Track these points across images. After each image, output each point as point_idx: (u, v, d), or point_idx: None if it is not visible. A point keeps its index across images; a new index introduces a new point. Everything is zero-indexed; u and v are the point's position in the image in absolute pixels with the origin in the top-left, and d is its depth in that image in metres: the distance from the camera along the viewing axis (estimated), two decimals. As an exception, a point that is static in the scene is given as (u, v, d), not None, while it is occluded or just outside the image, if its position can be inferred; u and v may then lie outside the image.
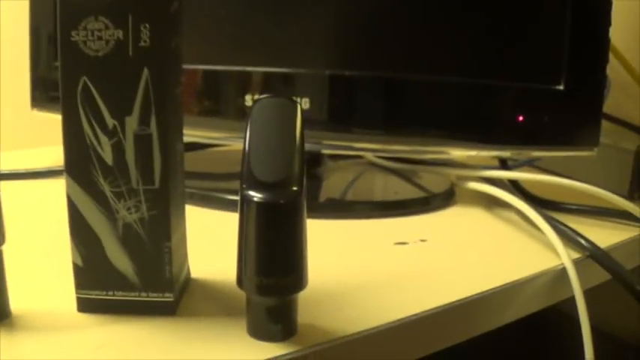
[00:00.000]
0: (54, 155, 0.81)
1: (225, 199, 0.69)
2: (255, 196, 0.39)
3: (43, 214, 0.65)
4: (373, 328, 0.46)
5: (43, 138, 0.88)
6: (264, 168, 0.40)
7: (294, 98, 0.68)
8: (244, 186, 0.40)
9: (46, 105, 0.80)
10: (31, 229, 0.61)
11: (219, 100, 0.75)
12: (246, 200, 0.39)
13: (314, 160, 0.81)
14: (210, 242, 0.58)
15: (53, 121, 0.71)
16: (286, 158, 0.41)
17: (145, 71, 0.41)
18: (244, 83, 0.73)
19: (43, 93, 0.81)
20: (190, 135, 0.75)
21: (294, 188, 0.40)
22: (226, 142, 0.77)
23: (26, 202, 0.69)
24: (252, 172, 0.40)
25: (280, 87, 0.72)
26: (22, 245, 0.56)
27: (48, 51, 0.79)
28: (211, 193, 0.70)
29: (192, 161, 0.82)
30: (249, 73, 0.73)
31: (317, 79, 0.71)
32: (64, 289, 0.45)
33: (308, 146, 0.71)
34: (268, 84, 0.72)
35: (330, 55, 0.73)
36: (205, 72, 0.74)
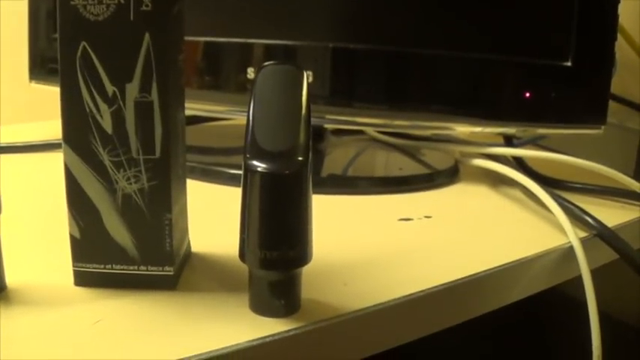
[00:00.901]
0: (52, 129, 0.80)
1: (226, 173, 0.68)
2: (259, 165, 0.38)
3: (41, 187, 0.65)
4: (379, 304, 0.44)
5: (42, 112, 0.87)
6: (268, 137, 0.39)
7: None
8: (248, 155, 0.38)
9: (44, 78, 0.79)
10: (28, 202, 0.60)
11: (220, 73, 0.74)
12: (249, 170, 0.38)
13: (316, 135, 0.80)
14: (212, 217, 0.57)
15: (52, 94, 0.70)
16: (292, 127, 0.39)
17: (147, 36, 0.39)
18: (246, 56, 0.72)
19: (42, 66, 0.80)
20: (191, 108, 0.74)
21: (300, 158, 0.39)
22: (228, 115, 0.76)
23: (24, 175, 0.68)
24: (256, 142, 0.39)
25: (282, 59, 0.70)
26: (18, 218, 0.55)
27: (47, 23, 0.78)
28: (212, 167, 0.69)
29: (193, 135, 0.82)
30: (251, 45, 0.72)
31: (320, 52, 0.70)
32: (61, 263, 0.44)
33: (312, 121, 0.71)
34: (270, 56, 0.71)
35: (333, 28, 0.72)
36: (206, 44, 0.73)
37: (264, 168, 0.38)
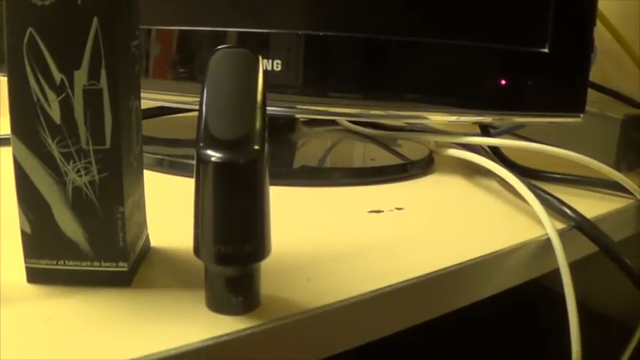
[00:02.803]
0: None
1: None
2: (213, 155, 0.36)
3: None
4: (343, 301, 0.43)
5: None
6: (222, 125, 0.37)
7: (267, 60, 0.65)
8: (201, 145, 0.37)
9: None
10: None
11: (189, 62, 0.72)
12: (202, 160, 0.37)
13: (288, 126, 0.79)
14: (177, 210, 0.56)
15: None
16: (246, 114, 0.38)
17: (95, 21, 0.38)
18: (217, 44, 0.70)
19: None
20: (159, 99, 0.73)
21: (255, 147, 0.37)
22: (197, 106, 0.74)
23: None
24: (208, 130, 0.37)
25: (253, 48, 0.69)
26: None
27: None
28: (180, 159, 0.67)
29: (162, 127, 0.80)
30: (222, 34, 0.70)
31: (291, 40, 0.69)
32: (15, 259, 0.43)
33: (282, 110, 0.69)
34: (240, 45, 0.70)
35: (304, 15, 0.70)
36: (176, 32, 0.71)
37: (218, 157, 0.36)
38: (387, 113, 0.72)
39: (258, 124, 0.38)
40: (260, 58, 0.40)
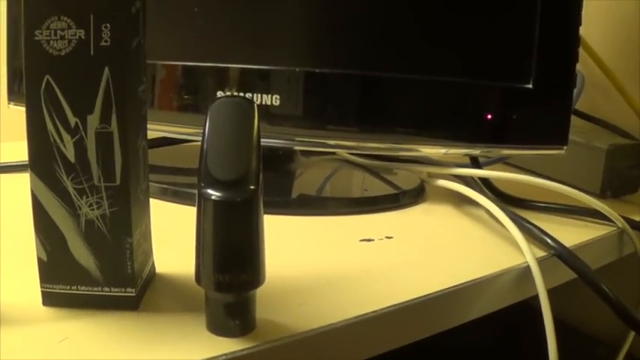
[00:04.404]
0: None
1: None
2: (213, 194, 0.40)
3: (12, 208, 0.66)
4: (332, 324, 0.46)
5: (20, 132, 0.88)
6: (221, 166, 0.41)
7: (267, 95, 0.68)
8: (202, 184, 0.41)
9: (23, 100, 0.80)
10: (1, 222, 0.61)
11: (192, 96, 0.75)
12: (203, 198, 0.40)
13: (287, 157, 0.82)
14: (180, 238, 0.58)
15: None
16: (243, 157, 0.41)
17: (106, 70, 0.41)
18: (217, 79, 0.73)
19: (20, 87, 0.81)
20: (164, 130, 0.76)
21: (251, 187, 0.41)
22: (199, 138, 0.77)
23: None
24: (209, 171, 0.41)
25: (253, 83, 0.72)
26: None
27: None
28: (184, 189, 0.71)
29: (165, 156, 0.83)
30: (221, 69, 0.73)
31: (289, 76, 0.72)
32: (31, 283, 0.46)
33: (281, 143, 0.72)
34: (241, 80, 0.73)
35: (300, 53, 0.73)
36: (179, 67, 0.74)
37: (217, 196, 0.40)
38: (381, 146, 0.75)
39: (253, 165, 0.41)
40: (255, 106, 0.43)
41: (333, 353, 0.48)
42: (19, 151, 0.78)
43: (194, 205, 0.67)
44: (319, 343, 0.46)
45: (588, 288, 0.60)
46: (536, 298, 0.58)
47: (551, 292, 0.57)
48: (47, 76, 0.41)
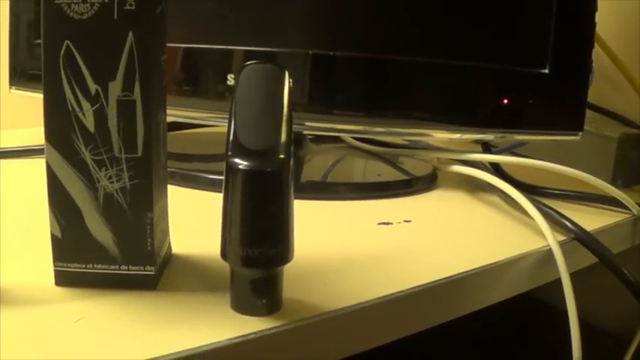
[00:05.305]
0: (31, 136, 0.80)
1: (206, 178, 0.68)
2: (241, 163, 0.38)
3: (21, 192, 0.64)
4: (359, 304, 0.45)
5: (19, 120, 0.87)
6: (250, 135, 0.39)
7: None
8: (230, 153, 0.39)
9: (25, 84, 0.79)
10: (6, 206, 0.60)
11: (200, 80, 0.74)
12: (231, 168, 0.38)
13: (296, 142, 0.79)
14: (191, 220, 0.57)
15: (30, 102, 0.70)
16: (273, 126, 0.40)
17: (130, 35, 0.40)
18: (225, 62, 0.72)
19: (22, 72, 0.79)
20: (171, 115, 0.74)
21: (281, 156, 0.39)
22: (207, 122, 0.75)
23: (3, 180, 0.68)
24: (238, 140, 0.39)
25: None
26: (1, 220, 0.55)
27: (28, 29, 0.78)
28: (192, 172, 0.69)
29: (171, 142, 0.82)
30: (230, 52, 0.72)
31: (300, 59, 0.70)
32: (42, 263, 0.44)
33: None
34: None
35: (313, 35, 0.72)
36: (186, 50, 0.73)
37: (246, 165, 0.38)
38: (391, 130, 0.74)
39: (284, 134, 0.40)
40: (286, 72, 0.42)
41: (360, 333, 0.46)
42: (18, 139, 0.78)
43: (202, 189, 0.67)
44: (347, 322, 0.45)
45: (602, 277, 0.59)
46: (538, 289, 0.57)
47: (558, 284, 0.55)
48: (67, 42, 0.39)
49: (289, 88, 0.41)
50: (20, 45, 0.78)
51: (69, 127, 0.40)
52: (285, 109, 0.40)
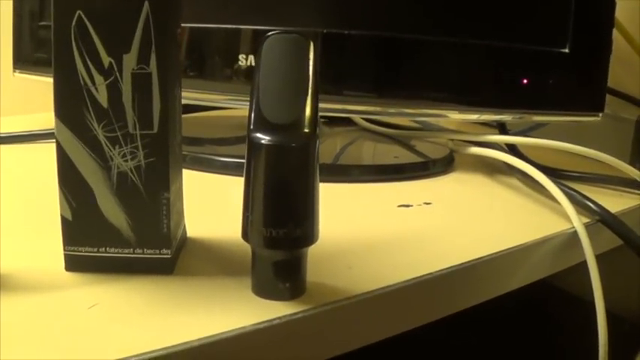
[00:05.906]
0: (37, 122, 0.78)
1: (218, 161, 0.67)
2: (264, 138, 0.36)
3: (27, 177, 0.63)
4: (386, 287, 0.43)
5: (25, 105, 0.86)
6: (274, 109, 0.37)
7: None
8: (252, 128, 0.37)
9: (29, 68, 0.77)
10: (14, 190, 0.58)
11: (211, 60, 0.72)
12: (254, 143, 0.36)
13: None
14: (205, 203, 0.56)
15: (35, 87, 0.68)
16: (298, 99, 0.38)
17: (146, 5, 0.38)
18: (237, 42, 0.70)
19: (27, 56, 0.77)
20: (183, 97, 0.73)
21: (307, 130, 0.37)
22: (219, 104, 0.74)
23: (10, 165, 0.66)
24: (261, 113, 0.37)
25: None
26: (6, 205, 0.53)
27: (31, 12, 0.76)
28: (204, 155, 0.68)
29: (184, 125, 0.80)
30: (241, 32, 0.70)
31: (312, 38, 0.68)
32: (52, 248, 0.42)
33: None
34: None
35: (325, 14, 0.70)
36: (196, 30, 0.71)
37: (270, 140, 0.36)
38: (406, 111, 0.72)
39: (309, 108, 0.38)
40: (312, 42, 0.40)
41: (386, 318, 0.45)
42: (20, 126, 0.76)
43: (215, 172, 0.65)
44: (372, 306, 0.43)
45: (618, 262, 0.59)
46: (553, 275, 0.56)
47: (573, 269, 0.55)
48: (79, 11, 0.37)
49: (315, 58, 0.39)
50: (24, 27, 0.77)
51: (80, 102, 0.38)
52: (311, 81, 0.38)
